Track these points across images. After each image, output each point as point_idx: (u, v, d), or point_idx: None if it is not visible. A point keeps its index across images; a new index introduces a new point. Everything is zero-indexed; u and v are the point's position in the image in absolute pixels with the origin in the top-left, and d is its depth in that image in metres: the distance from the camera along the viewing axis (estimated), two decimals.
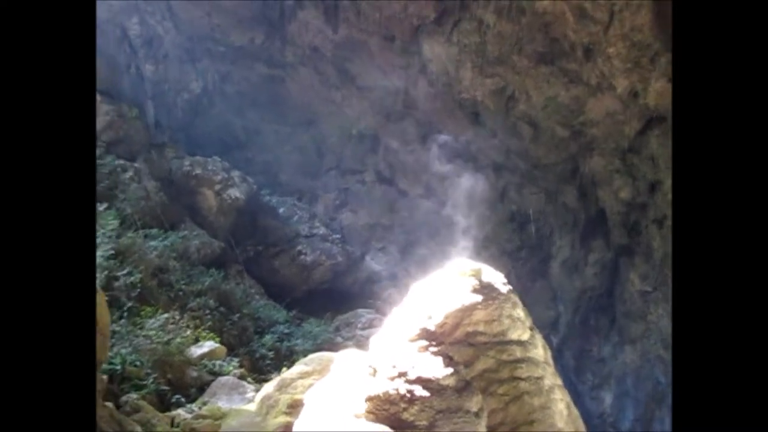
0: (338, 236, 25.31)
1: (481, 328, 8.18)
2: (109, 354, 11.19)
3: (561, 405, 8.36)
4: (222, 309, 16.81)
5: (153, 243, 17.29)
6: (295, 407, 9.37)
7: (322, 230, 24.90)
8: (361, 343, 16.77)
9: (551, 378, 8.51)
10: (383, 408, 7.10)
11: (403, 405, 7.12)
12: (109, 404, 9.83)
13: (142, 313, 13.95)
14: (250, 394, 12.14)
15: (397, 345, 7.87)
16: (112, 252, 14.77)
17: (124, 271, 14.52)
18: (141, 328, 13.28)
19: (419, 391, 7.23)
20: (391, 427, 6.93)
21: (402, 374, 7.40)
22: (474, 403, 7.40)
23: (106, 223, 15.93)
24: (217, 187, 22.48)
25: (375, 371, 7.68)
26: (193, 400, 12.02)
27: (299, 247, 23.50)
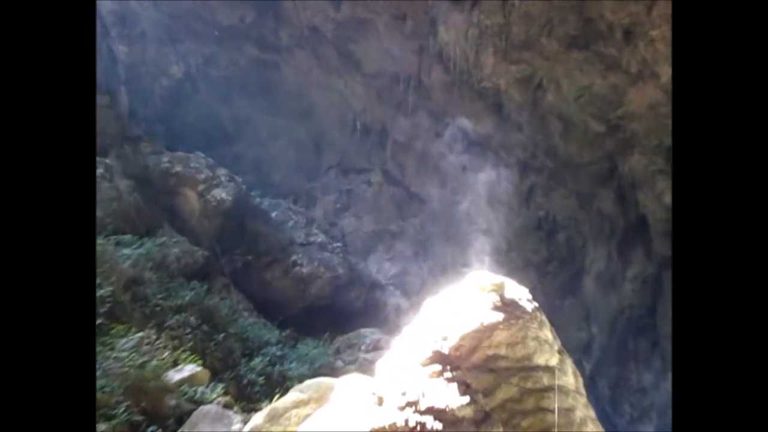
0: (339, 245, 25.35)
1: (502, 351, 8.17)
2: None
3: None
4: (205, 327, 16.79)
5: (126, 251, 17.29)
6: None
7: (320, 238, 24.92)
8: (365, 368, 16.75)
9: (583, 410, 8.50)
10: None
11: None
12: None
13: (113, 331, 13.94)
14: (236, 426, 12.13)
15: (406, 370, 7.87)
16: None
17: None
18: (111, 349, 13.27)
19: (431, 423, 7.22)
20: None
21: (412, 404, 7.40)
22: None
23: None
24: (201, 187, 22.50)
25: (381, 400, 7.69)
26: None
27: (294, 257, 23.52)
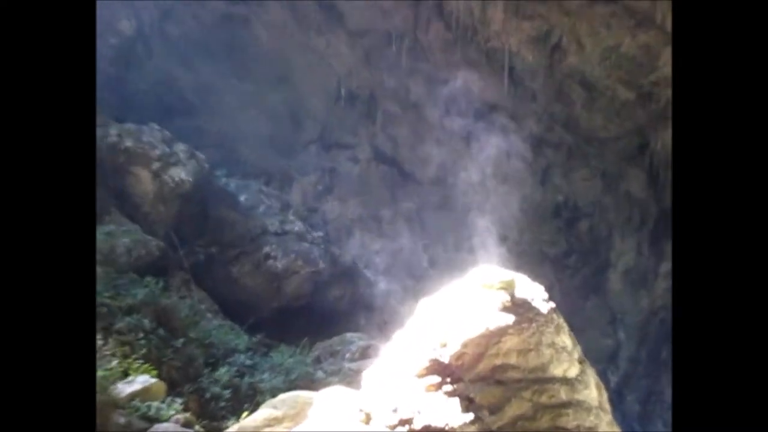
0: (320, 234, 25.30)
1: (512, 360, 8.18)
2: None
3: None
4: (161, 332, 16.79)
5: None
6: None
7: (298, 226, 24.84)
8: (350, 379, 16.78)
9: (607, 428, 8.53)
10: None
11: None
12: None
13: None
14: None
15: (398, 382, 7.88)
16: None
17: None
18: None
19: None
20: None
21: (405, 422, 7.41)
22: None
23: None
24: (156, 165, 22.41)
25: (368, 417, 7.70)
26: None
27: (267, 249, 23.49)
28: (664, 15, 17.27)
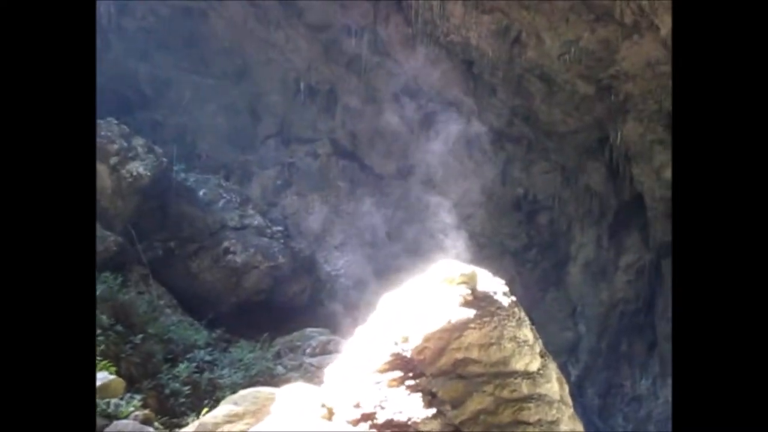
0: (280, 228, 25.25)
1: (474, 354, 8.18)
2: None
3: None
4: (119, 327, 16.71)
5: None
6: None
7: (257, 220, 24.77)
8: (310, 375, 16.77)
9: (569, 423, 8.54)
10: None
11: None
12: None
13: None
14: None
15: (360, 377, 7.86)
16: None
17: None
18: None
19: None
20: None
21: (368, 417, 7.39)
22: None
23: None
24: (113, 160, 22.26)
25: (331, 412, 7.68)
26: None
27: (226, 244, 23.41)
28: (623, 10, 17.34)
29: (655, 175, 19.12)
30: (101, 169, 21.89)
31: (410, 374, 7.79)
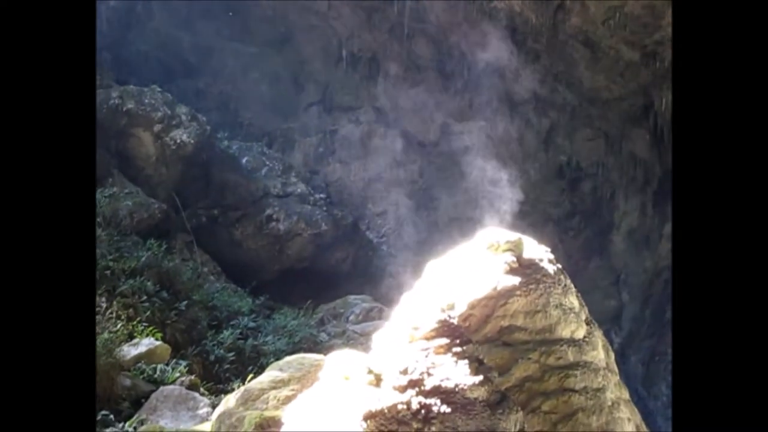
0: (323, 196, 25.27)
1: (519, 321, 8.17)
2: None
3: (628, 426, 8.37)
4: (164, 294, 16.80)
5: None
6: (266, 428, 9.37)
7: (300, 188, 24.79)
8: (354, 342, 16.81)
9: (615, 390, 8.52)
10: (389, 428, 7.10)
11: (416, 425, 7.10)
12: None
13: None
14: (203, 410, 12.16)
15: (407, 344, 7.86)
16: None
17: None
18: None
19: (438, 405, 7.21)
20: None
21: (415, 383, 7.37)
22: (512, 422, 7.40)
23: None
24: (157, 127, 22.34)
25: (378, 379, 7.68)
26: (126, 418, 12.03)
27: (269, 211, 23.45)
28: None
29: None
30: (145, 137, 22.02)
31: (457, 341, 7.77)
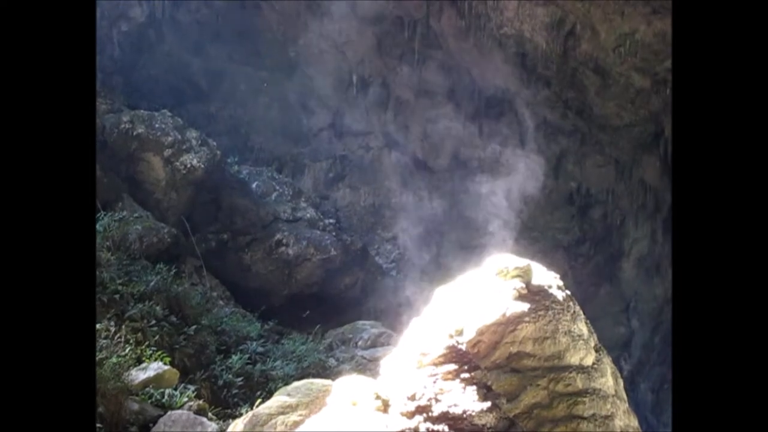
0: (332, 221, 25.30)
1: (528, 348, 8.17)
2: None
3: None
4: (173, 319, 16.81)
5: None
6: None
7: (309, 213, 24.81)
8: (362, 367, 16.81)
9: (624, 417, 8.52)
10: None
11: None
12: None
13: None
14: None
15: (415, 370, 7.88)
16: None
17: None
18: None
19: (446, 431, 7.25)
20: None
21: (422, 409, 7.40)
22: None
23: None
24: (167, 152, 22.40)
25: (386, 405, 7.70)
26: None
27: (278, 236, 23.46)
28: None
29: None
30: (155, 161, 22.08)
31: (465, 367, 7.80)
